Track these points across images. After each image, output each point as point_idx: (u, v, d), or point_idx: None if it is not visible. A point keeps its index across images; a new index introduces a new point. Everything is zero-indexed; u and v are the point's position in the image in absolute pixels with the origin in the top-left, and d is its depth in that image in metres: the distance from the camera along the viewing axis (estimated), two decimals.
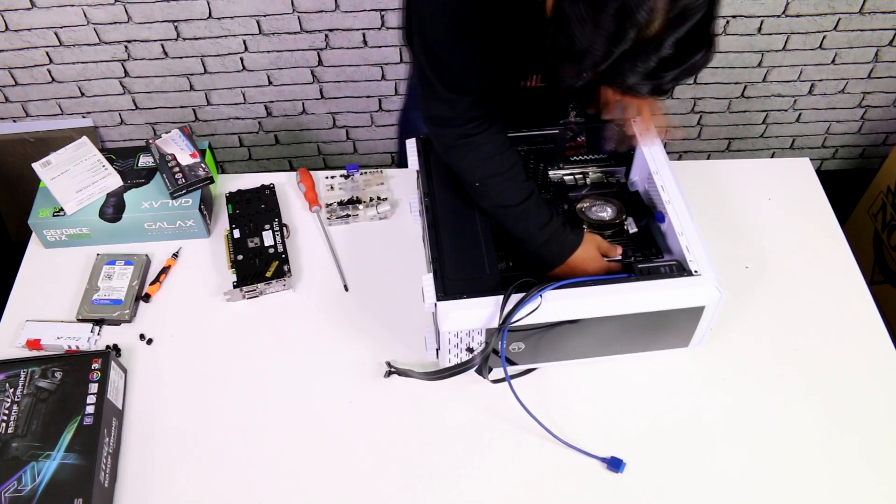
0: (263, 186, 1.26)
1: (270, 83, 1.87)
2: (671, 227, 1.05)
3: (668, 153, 1.14)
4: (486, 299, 0.95)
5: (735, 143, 2.15)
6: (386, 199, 1.26)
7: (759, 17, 1.78)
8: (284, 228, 1.22)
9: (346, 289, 1.17)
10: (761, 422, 1.03)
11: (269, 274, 1.14)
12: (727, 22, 1.79)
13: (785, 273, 1.19)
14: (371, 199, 1.26)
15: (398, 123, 1.48)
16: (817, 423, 1.03)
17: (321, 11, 1.71)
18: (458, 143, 1.01)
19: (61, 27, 1.69)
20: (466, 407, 1.04)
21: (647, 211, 1.14)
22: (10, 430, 0.95)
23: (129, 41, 1.73)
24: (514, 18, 0.90)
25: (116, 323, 1.12)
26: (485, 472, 0.98)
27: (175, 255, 1.20)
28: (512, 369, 1.05)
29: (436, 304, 0.95)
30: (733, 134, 2.12)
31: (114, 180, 1.21)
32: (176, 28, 1.71)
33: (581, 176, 1.21)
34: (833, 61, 1.91)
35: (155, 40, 1.74)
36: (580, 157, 1.20)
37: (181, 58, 1.78)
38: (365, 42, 1.79)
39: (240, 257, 1.16)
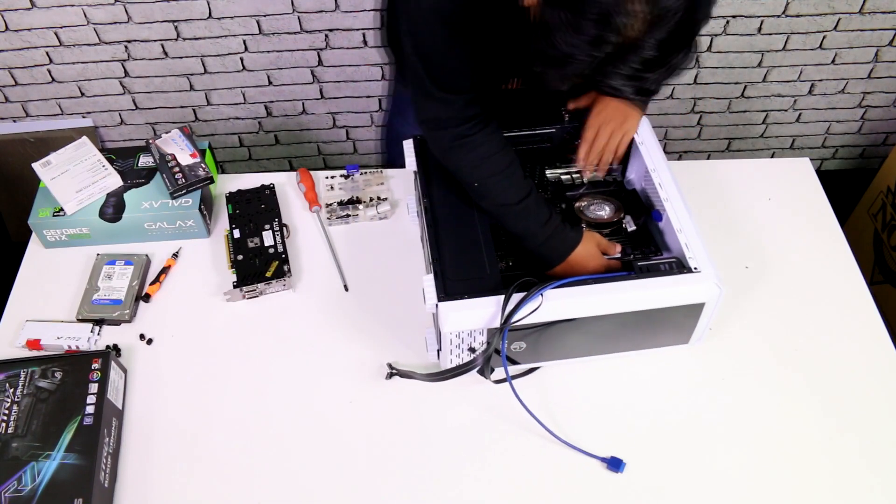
0: (263, 186, 1.26)
1: (270, 83, 1.87)
2: (669, 225, 1.05)
3: (668, 153, 1.14)
4: (488, 299, 0.95)
5: (735, 143, 2.15)
6: (386, 199, 1.26)
7: (759, 17, 1.78)
8: (284, 228, 1.22)
9: (346, 289, 1.17)
10: (761, 422, 1.03)
11: (269, 274, 1.14)
12: (727, 22, 1.79)
13: (785, 273, 1.19)
14: (371, 199, 1.26)
15: (384, 134, 1.47)
16: (817, 422, 1.03)
17: (321, 11, 1.71)
18: (456, 144, 1.01)
19: (61, 27, 1.69)
20: (469, 407, 1.04)
21: (644, 209, 1.14)
22: (10, 430, 0.95)
23: (129, 41, 1.73)
24: (498, 22, 0.91)
25: (116, 323, 1.12)
26: (485, 472, 0.98)
27: (175, 255, 1.20)
28: (514, 369, 1.05)
29: (437, 305, 0.95)
30: (733, 134, 2.12)
31: (114, 180, 1.21)
32: (176, 28, 1.71)
33: (578, 175, 1.21)
34: (833, 61, 1.91)
35: (155, 40, 1.73)
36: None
37: (181, 58, 1.78)
38: (365, 42, 1.78)
39: (240, 257, 1.16)
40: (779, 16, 1.78)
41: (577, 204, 1.15)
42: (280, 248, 1.18)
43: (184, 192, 1.19)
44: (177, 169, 1.20)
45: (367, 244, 1.22)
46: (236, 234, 1.19)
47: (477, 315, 0.94)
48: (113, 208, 1.19)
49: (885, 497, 0.96)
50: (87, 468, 0.92)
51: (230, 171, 1.84)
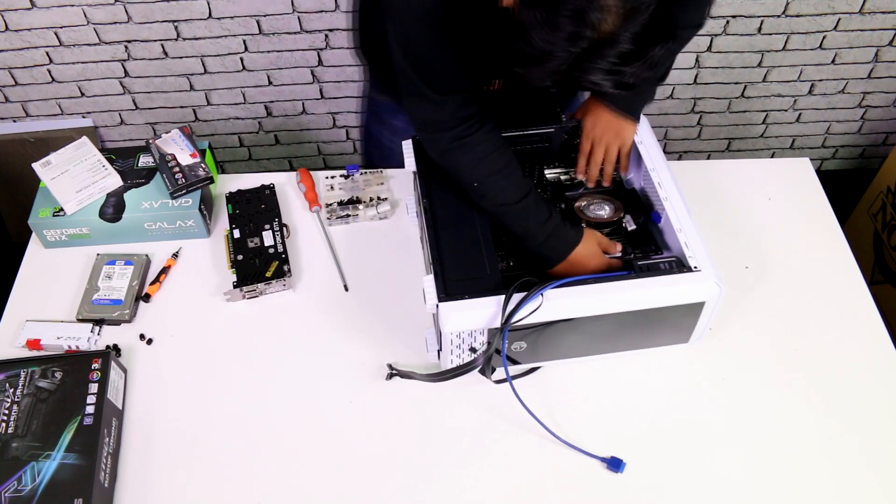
0: (263, 186, 1.26)
1: (270, 83, 1.87)
2: (669, 224, 1.05)
3: (667, 153, 1.14)
4: (488, 299, 0.95)
5: (735, 143, 2.15)
6: (386, 199, 1.26)
7: (759, 17, 1.78)
8: (284, 228, 1.22)
9: (346, 289, 1.17)
10: (761, 422, 1.03)
11: (269, 274, 1.14)
12: (727, 22, 1.79)
13: (785, 273, 1.19)
14: (371, 199, 1.26)
15: (362, 139, 1.47)
16: (817, 422, 1.03)
17: (321, 11, 1.71)
18: (454, 145, 1.01)
19: (61, 27, 1.69)
20: (469, 408, 1.04)
21: (644, 208, 1.14)
22: (10, 430, 0.95)
23: (129, 41, 1.73)
24: (482, 23, 0.91)
25: (116, 323, 1.12)
26: (485, 472, 0.98)
27: (175, 255, 1.20)
28: (514, 369, 1.05)
29: (437, 306, 0.95)
30: (733, 134, 2.12)
31: (114, 180, 1.21)
32: (176, 28, 1.71)
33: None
34: (833, 61, 1.91)
35: (155, 40, 1.73)
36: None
37: (181, 58, 1.78)
38: None
39: (240, 257, 1.16)
40: (779, 16, 1.78)
41: (577, 204, 1.15)
42: (280, 248, 1.18)
43: (184, 192, 1.19)
44: (177, 169, 1.20)
45: (367, 244, 1.22)
46: (236, 234, 1.19)
47: (477, 315, 0.94)
48: (113, 208, 1.19)
49: (885, 497, 0.96)
50: (87, 468, 0.92)
51: (230, 171, 1.84)
